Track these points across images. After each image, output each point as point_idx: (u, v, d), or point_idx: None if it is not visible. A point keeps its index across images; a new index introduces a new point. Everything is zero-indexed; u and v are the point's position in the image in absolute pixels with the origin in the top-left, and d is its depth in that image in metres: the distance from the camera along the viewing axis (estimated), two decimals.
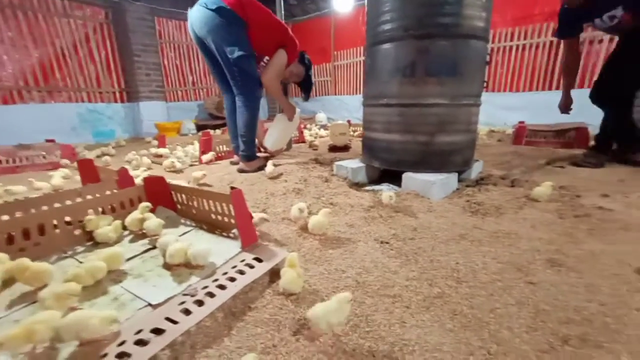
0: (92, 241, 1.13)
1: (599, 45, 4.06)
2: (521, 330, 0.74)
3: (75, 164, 2.20)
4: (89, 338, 0.65)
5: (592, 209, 1.44)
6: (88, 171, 1.64)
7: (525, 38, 4.69)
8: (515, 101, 4.77)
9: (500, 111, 4.84)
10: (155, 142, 3.91)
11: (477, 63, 1.79)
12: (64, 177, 2.24)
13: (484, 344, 0.70)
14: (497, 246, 1.14)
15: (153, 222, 1.13)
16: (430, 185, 1.68)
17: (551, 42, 4.44)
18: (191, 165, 2.73)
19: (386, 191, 1.62)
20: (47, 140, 3.12)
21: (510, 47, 4.84)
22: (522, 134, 3.35)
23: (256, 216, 1.22)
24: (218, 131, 5.43)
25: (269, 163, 2.23)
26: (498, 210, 1.48)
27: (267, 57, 2.38)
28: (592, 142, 2.63)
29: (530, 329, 0.74)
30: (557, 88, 4.34)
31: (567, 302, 0.82)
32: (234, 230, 1.15)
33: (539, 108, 4.11)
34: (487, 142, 3.64)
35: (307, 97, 2.80)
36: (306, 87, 2.74)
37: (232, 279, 0.89)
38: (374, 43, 1.87)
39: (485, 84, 1.91)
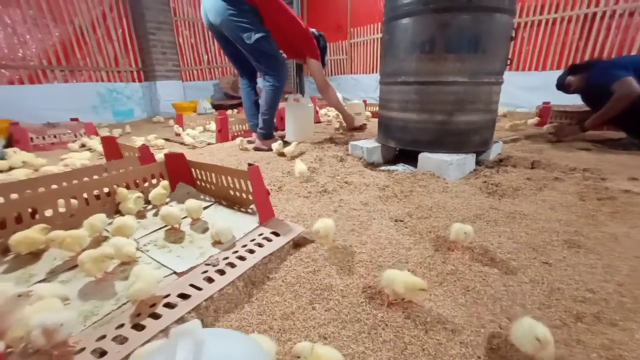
0: (118, 213, 1.20)
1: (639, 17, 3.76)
2: (534, 307, 0.75)
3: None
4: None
5: (618, 192, 1.39)
6: (111, 148, 1.71)
7: (556, 11, 4.35)
8: (540, 81, 4.48)
9: (522, 92, 4.58)
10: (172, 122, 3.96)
11: (500, 39, 1.70)
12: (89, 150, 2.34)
13: (495, 318, 0.72)
14: (513, 227, 1.13)
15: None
16: (446, 165, 1.66)
17: (585, 14, 4.12)
18: (209, 144, 2.78)
19: (401, 170, 1.61)
20: (72, 119, 3.24)
21: (539, 22, 4.52)
22: (546, 115, 3.21)
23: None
24: (234, 110, 5.44)
25: (293, 143, 2.24)
26: (516, 191, 1.45)
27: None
28: None
29: (543, 305, 0.75)
30: None
31: (583, 282, 0.82)
32: (252, 206, 1.19)
33: None
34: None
35: None
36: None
37: (252, 251, 0.93)
38: (392, 18, 1.80)
39: (509, 62, 1.82)
